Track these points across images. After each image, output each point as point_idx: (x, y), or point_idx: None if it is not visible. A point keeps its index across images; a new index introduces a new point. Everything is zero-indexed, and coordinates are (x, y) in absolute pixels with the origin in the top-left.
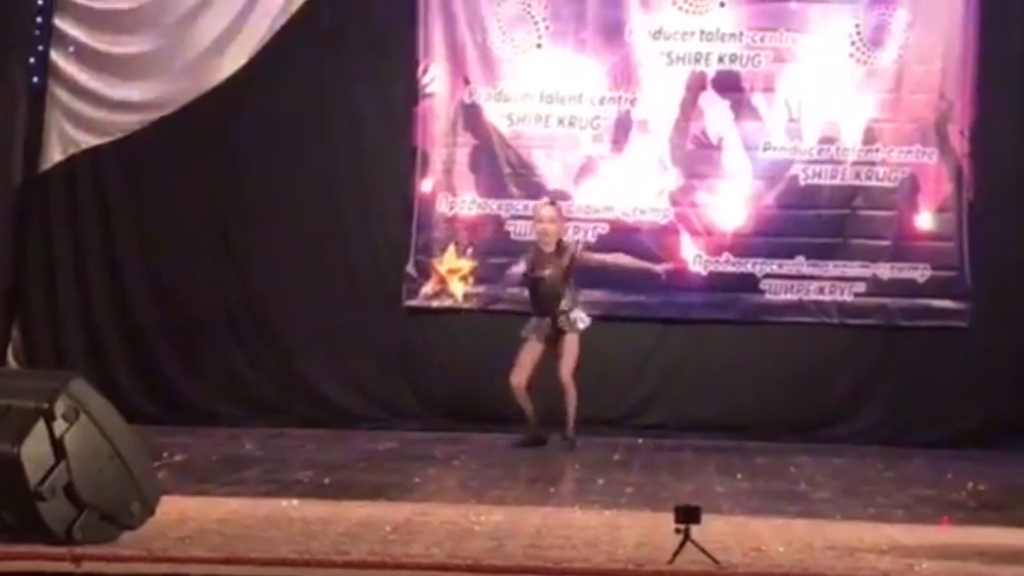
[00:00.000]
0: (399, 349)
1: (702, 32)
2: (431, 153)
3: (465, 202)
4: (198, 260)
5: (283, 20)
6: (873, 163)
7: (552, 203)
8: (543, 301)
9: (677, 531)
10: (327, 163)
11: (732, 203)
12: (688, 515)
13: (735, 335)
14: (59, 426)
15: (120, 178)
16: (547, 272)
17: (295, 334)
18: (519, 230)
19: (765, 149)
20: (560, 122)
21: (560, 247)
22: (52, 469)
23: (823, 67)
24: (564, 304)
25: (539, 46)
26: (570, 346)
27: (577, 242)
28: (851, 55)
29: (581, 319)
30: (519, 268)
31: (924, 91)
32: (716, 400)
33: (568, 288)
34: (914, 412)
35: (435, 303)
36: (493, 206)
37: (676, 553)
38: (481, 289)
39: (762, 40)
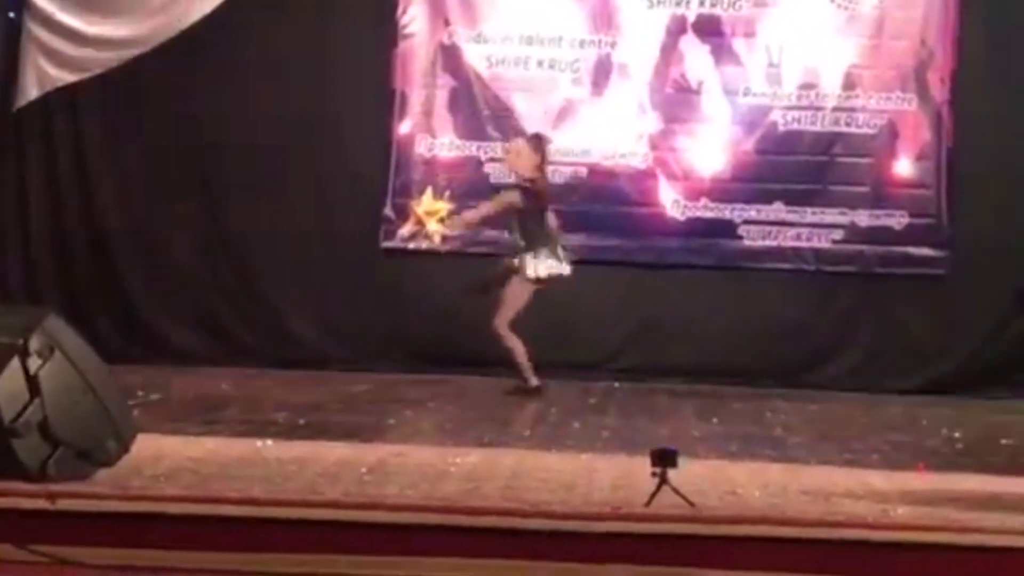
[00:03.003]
0: (375, 291)
1: None
2: (410, 94)
3: (443, 144)
4: (174, 199)
5: None
6: (853, 109)
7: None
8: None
9: (653, 474)
10: (304, 103)
11: (711, 148)
12: (665, 458)
13: (712, 280)
14: (33, 362)
15: (96, 116)
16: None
17: (271, 274)
18: (497, 172)
19: (745, 94)
20: (539, 65)
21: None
22: (27, 406)
23: (804, 12)
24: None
25: None
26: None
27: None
28: (832, 0)
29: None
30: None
31: (905, 37)
32: (693, 345)
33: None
34: (890, 358)
35: (412, 245)
36: (472, 148)
37: (653, 496)
38: (458, 232)
39: None
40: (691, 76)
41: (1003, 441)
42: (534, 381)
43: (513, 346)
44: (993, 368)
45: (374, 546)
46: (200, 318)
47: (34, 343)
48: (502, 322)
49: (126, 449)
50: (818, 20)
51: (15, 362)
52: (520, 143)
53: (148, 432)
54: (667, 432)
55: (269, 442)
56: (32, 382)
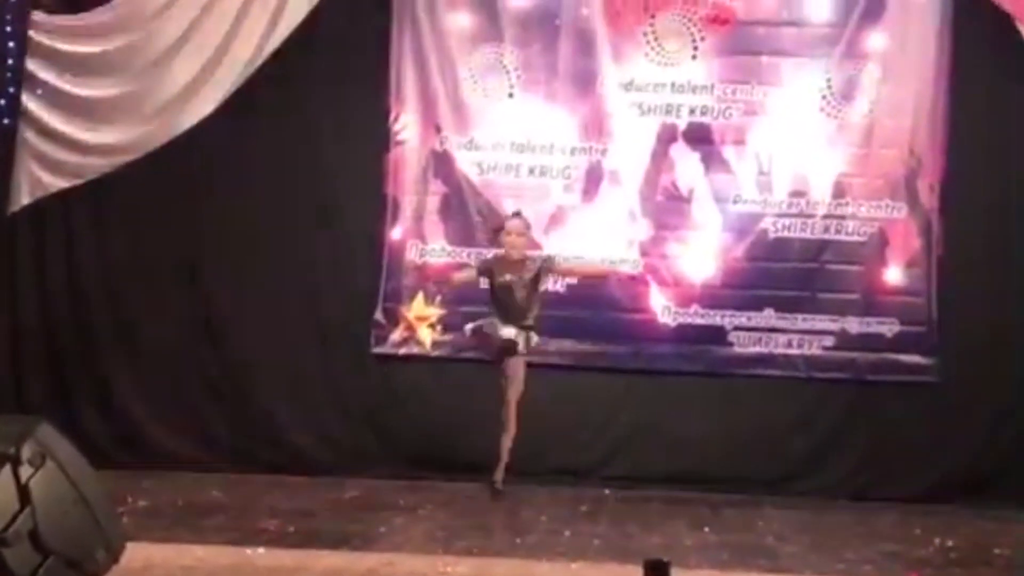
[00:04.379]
0: (366, 396)
1: (673, 84)
2: (401, 200)
3: (435, 250)
4: (166, 305)
5: (254, 66)
6: (843, 217)
7: (519, 215)
8: (509, 309)
9: None
10: (297, 208)
11: (702, 255)
12: (658, 570)
13: (703, 387)
14: (25, 471)
15: (88, 223)
16: (509, 278)
17: (262, 378)
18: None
19: (735, 202)
20: (531, 171)
21: (527, 260)
22: (17, 515)
23: (794, 121)
24: (529, 319)
25: (511, 95)
26: (516, 370)
27: (547, 257)
28: (822, 109)
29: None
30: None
31: (894, 146)
32: (683, 452)
33: (535, 304)
34: (882, 466)
35: (403, 350)
36: (462, 254)
37: None
38: (449, 337)
39: (733, 93)
40: (682, 183)
41: (997, 551)
42: (499, 485)
43: (513, 433)
44: (985, 476)
45: None
46: (191, 423)
47: (26, 452)
48: (515, 400)
49: (115, 559)
50: (808, 129)
51: (6, 471)
52: (521, 222)
53: (138, 540)
54: (659, 541)
55: (260, 550)
56: (23, 491)
